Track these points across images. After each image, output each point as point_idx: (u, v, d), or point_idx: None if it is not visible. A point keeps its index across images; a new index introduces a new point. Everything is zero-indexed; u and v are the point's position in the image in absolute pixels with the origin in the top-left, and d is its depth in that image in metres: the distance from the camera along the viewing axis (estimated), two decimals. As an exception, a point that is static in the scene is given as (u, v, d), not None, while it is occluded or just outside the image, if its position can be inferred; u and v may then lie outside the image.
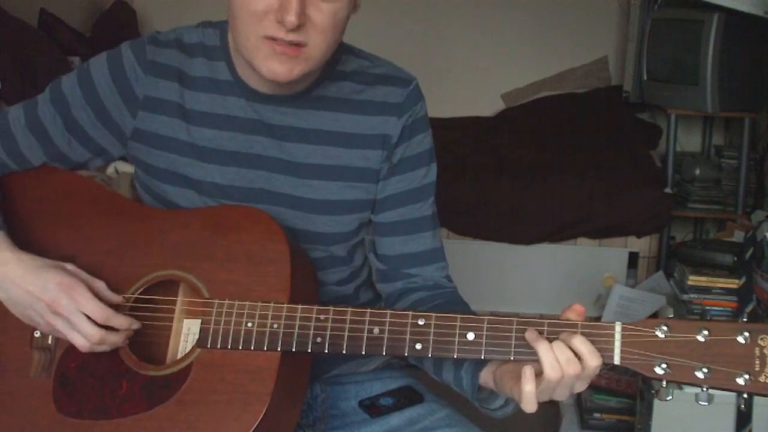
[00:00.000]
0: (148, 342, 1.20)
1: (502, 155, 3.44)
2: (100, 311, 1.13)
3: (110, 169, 2.63)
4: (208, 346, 1.12)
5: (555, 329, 1.03)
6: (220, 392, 1.10)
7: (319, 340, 1.09)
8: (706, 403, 0.99)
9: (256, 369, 1.10)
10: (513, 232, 3.23)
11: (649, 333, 0.99)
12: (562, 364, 1.00)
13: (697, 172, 3.40)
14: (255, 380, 1.09)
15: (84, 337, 1.12)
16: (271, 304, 1.11)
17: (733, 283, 2.38)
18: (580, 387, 1.03)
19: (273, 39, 1.12)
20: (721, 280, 2.40)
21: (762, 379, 0.96)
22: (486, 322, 1.05)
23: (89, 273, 1.18)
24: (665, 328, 0.99)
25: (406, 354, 1.07)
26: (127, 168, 2.57)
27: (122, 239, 1.22)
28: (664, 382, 1.00)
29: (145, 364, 1.15)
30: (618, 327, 1.00)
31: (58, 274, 1.14)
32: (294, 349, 1.10)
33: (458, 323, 1.06)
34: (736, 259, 2.45)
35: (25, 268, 1.15)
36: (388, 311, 1.08)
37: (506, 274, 3.29)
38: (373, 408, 1.30)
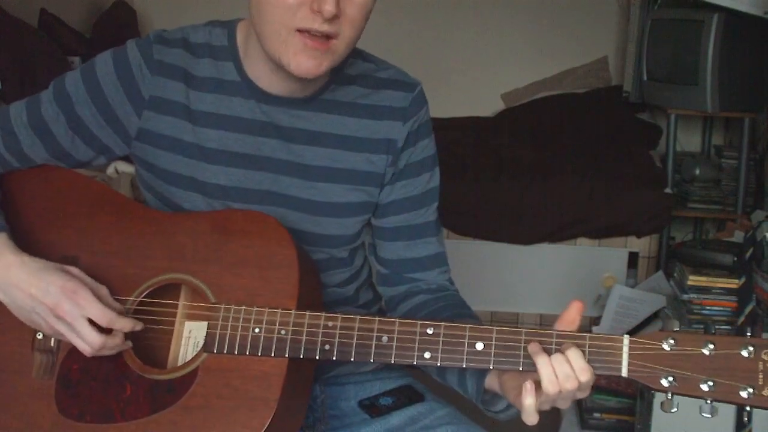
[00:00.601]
0: (150, 345, 1.19)
1: (502, 155, 3.44)
2: (103, 315, 1.12)
3: (110, 169, 2.63)
4: (215, 351, 1.12)
5: (562, 341, 1.03)
6: (226, 398, 1.09)
7: (327, 347, 1.09)
8: (710, 416, 0.99)
9: (263, 375, 1.09)
10: (513, 232, 3.23)
11: (656, 346, 1.01)
12: (560, 379, 1.00)
13: (697, 172, 3.40)
14: (262, 386, 1.08)
15: (86, 342, 1.12)
16: (279, 311, 1.11)
17: (733, 283, 2.38)
18: (582, 395, 1.03)
19: (306, 31, 1.11)
20: (721, 280, 2.40)
21: (765, 392, 0.98)
22: (495, 332, 1.05)
23: (93, 274, 1.17)
24: (672, 341, 1.01)
25: (414, 363, 1.07)
26: (127, 168, 2.57)
27: (127, 241, 1.21)
28: (670, 394, 1.01)
29: (149, 368, 1.15)
30: (626, 340, 1.02)
31: (61, 277, 1.14)
32: (302, 356, 1.09)
33: (467, 333, 1.05)
34: (735, 259, 2.45)
35: (28, 271, 1.14)
36: (397, 320, 1.08)
37: (506, 274, 3.29)
38: (373, 408, 1.30)
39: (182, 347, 1.18)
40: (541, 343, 1.04)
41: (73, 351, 1.15)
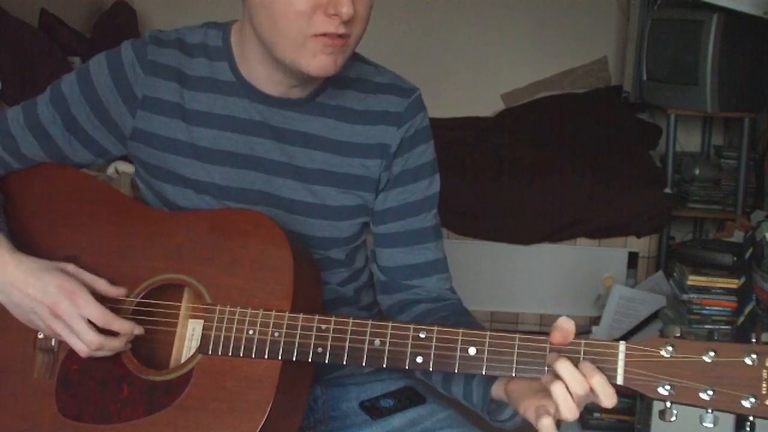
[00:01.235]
0: (150, 345, 1.19)
1: (502, 155, 3.44)
2: (100, 315, 1.12)
3: (110, 169, 2.63)
4: (209, 352, 1.11)
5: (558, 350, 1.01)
6: (221, 399, 1.09)
7: (320, 350, 1.08)
8: (712, 425, 0.96)
9: (257, 377, 1.09)
10: (513, 232, 3.23)
11: (654, 353, 0.97)
12: (578, 402, 0.98)
13: (697, 172, 3.40)
14: (255, 389, 1.08)
15: (84, 341, 1.12)
16: (273, 313, 1.10)
17: (733, 283, 2.38)
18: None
19: (323, 35, 1.11)
20: (721, 280, 2.40)
21: None
22: (488, 337, 1.03)
23: (92, 273, 1.17)
24: (671, 348, 0.96)
25: (407, 367, 1.06)
26: (127, 168, 2.57)
27: (125, 240, 1.21)
28: (668, 403, 0.97)
29: (147, 369, 1.15)
30: (622, 347, 0.98)
31: (59, 277, 1.14)
32: (294, 359, 1.09)
33: (460, 337, 1.04)
34: (735, 259, 2.45)
35: (26, 271, 1.14)
36: (390, 323, 1.07)
37: (506, 274, 3.29)
38: (373, 409, 1.30)
39: (185, 347, 1.18)
40: (534, 348, 1.01)
41: (73, 351, 1.15)
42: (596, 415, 2.57)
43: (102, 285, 1.16)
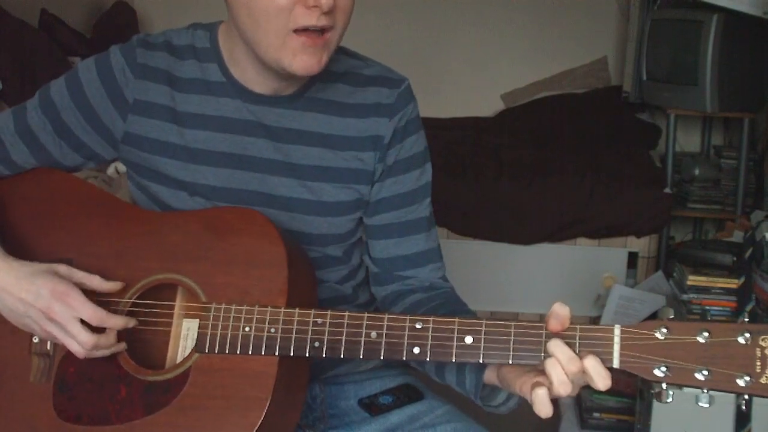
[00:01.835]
0: (146, 346, 1.19)
1: (502, 155, 3.44)
2: (94, 314, 1.12)
3: (110, 170, 2.63)
4: (206, 351, 1.11)
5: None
6: (219, 397, 1.09)
7: (317, 344, 1.09)
8: (707, 405, 0.97)
9: (255, 374, 1.09)
10: (513, 232, 3.23)
11: (649, 335, 0.98)
12: (572, 378, 0.99)
13: (697, 172, 3.40)
14: (253, 385, 1.08)
15: (79, 342, 1.12)
16: (269, 308, 1.11)
17: (733, 283, 2.38)
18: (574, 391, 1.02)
19: (304, 30, 1.11)
20: (721, 280, 2.40)
21: (763, 380, 0.94)
22: (484, 326, 1.04)
23: None
24: (665, 330, 0.98)
25: (404, 358, 1.06)
26: (127, 168, 2.57)
27: (119, 242, 1.21)
28: (664, 385, 0.99)
29: (144, 369, 1.15)
30: (617, 330, 0.99)
31: (51, 280, 1.13)
32: (292, 354, 1.09)
33: (456, 326, 1.05)
34: (735, 259, 2.45)
35: (18, 276, 1.14)
36: (386, 315, 1.07)
37: (506, 274, 3.29)
38: (372, 407, 1.30)
39: (180, 346, 1.19)
40: (530, 336, 1.02)
41: (70, 353, 1.15)
42: (596, 415, 2.57)
43: (96, 281, 1.16)
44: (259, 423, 1.07)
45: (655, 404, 2.06)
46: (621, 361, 0.99)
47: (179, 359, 1.16)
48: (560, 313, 1.01)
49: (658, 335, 0.98)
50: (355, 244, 1.35)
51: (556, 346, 0.99)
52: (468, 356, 1.04)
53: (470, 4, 4.12)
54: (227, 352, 1.11)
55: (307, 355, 1.09)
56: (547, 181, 3.22)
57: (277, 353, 1.09)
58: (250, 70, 1.21)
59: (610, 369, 0.99)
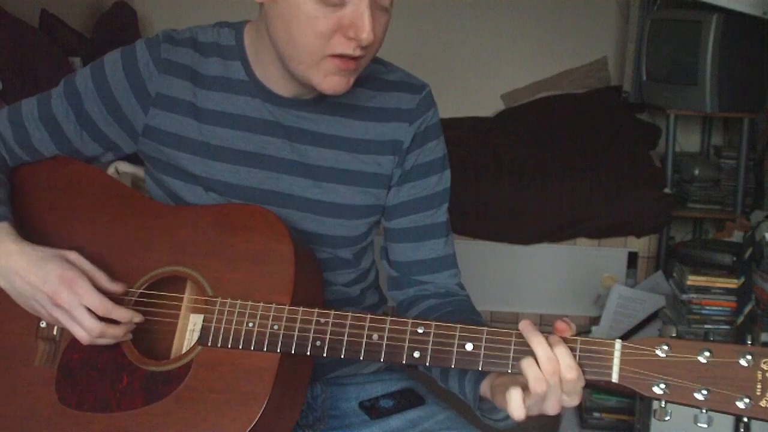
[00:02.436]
0: (152, 337, 1.20)
1: (502, 155, 3.44)
2: (100, 304, 1.13)
3: (111, 169, 2.62)
4: (209, 344, 1.12)
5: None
6: (218, 391, 1.10)
7: (318, 343, 1.09)
8: (706, 425, 0.96)
9: (255, 369, 1.10)
10: (513, 232, 3.23)
11: (650, 352, 0.97)
12: (546, 373, 0.99)
13: (696, 172, 3.40)
14: (253, 380, 1.09)
15: (84, 330, 1.13)
16: (273, 305, 1.11)
17: (732, 283, 2.38)
18: (571, 400, 1.01)
19: (340, 56, 1.12)
20: (720, 280, 2.40)
21: (763, 403, 0.93)
22: (485, 333, 1.04)
23: (96, 264, 1.18)
24: (666, 347, 0.97)
25: (404, 362, 1.06)
26: (127, 168, 2.57)
27: (130, 233, 1.22)
28: (663, 402, 0.98)
29: (146, 359, 1.16)
30: (618, 345, 0.99)
31: (60, 266, 1.14)
32: (293, 351, 1.10)
33: (457, 333, 1.05)
34: (735, 259, 2.45)
35: (28, 260, 1.15)
36: (388, 318, 1.08)
37: (506, 274, 3.29)
38: (373, 409, 1.31)
39: (186, 339, 1.19)
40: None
41: (75, 340, 1.16)
42: (596, 414, 2.57)
43: (102, 281, 1.17)
44: (257, 418, 1.07)
45: (655, 404, 2.05)
46: (620, 376, 0.98)
47: (184, 352, 1.17)
48: (561, 329, 1.01)
49: (658, 352, 0.97)
50: (366, 248, 1.36)
51: (536, 343, 0.99)
52: (468, 363, 1.04)
53: (471, 5, 4.12)
54: (230, 346, 1.12)
55: (308, 353, 1.10)
56: (547, 181, 3.22)
57: (278, 350, 1.10)
58: (275, 73, 1.22)
59: (609, 383, 0.99)
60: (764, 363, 0.94)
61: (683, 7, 3.32)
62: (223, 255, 1.16)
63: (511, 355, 1.02)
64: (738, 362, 0.95)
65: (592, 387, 2.59)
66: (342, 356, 1.08)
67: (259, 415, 1.07)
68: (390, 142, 1.28)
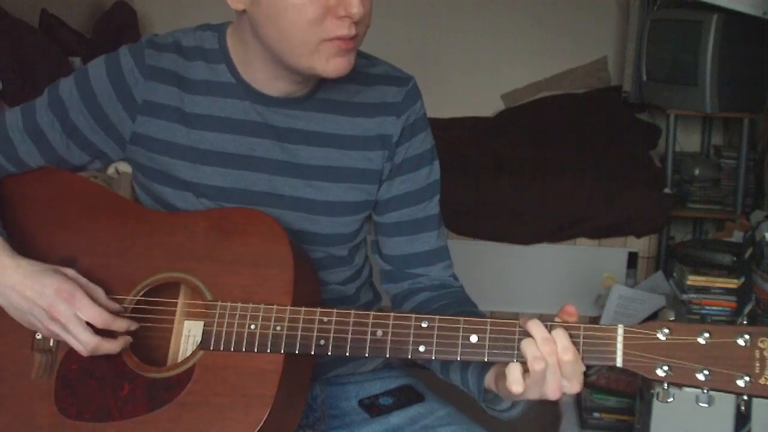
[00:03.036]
0: (149, 344, 1.20)
1: (502, 155, 3.44)
2: (99, 317, 1.13)
3: (111, 170, 2.63)
4: (211, 348, 1.12)
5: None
6: (223, 394, 1.10)
7: (322, 342, 1.09)
8: (707, 405, 0.99)
9: (259, 371, 1.10)
10: (513, 232, 3.23)
11: (651, 335, 1.00)
12: (545, 354, 1.00)
13: (697, 172, 3.40)
14: (258, 383, 1.09)
15: (81, 343, 1.13)
16: (274, 307, 1.11)
17: (732, 283, 2.38)
18: (571, 387, 1.02)
19: (337, 38, 1.12)
20: (720, 280, 2.40)
21: (762, 381, 0.97)
22: (489, 324, 1.05)
23: (91, 275, 1.18)
24: (666, 330, 1.00)
25: (409, 356, 1.07)
26: (127, 168, 2.57)
27: (124, 241, 1.22)
28: (666, 384, 1.01)
29: (147, 366, 1.15)
30: (620, 329, 1.01)
31: (57, 280, 1.14)
32: (297, 352, 1.10)
33: (461, 325, 1.06)
34: (735, 259, 2.45)
35: (24, 274, 1.15)
36: (392, 314, 1.08)
37: (506, 274, 3.29)
38: (373, 407, 1.31)
39: (182, 345, 1.19)
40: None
41: (73, 350, 1.16)
42: (596, 415, 2.57)
43: (100, 296, 1.17)
44: (263, 420, 1.07)
45: (655, 404, 2.06)
46: (624, 360, 1.01)
47: (181, 358, 1.16)
48: (570, 311, 1.04)
49: (659, 335, 1.00)
50: (359, 245, 1.36)
51: (533, 326, 1.02)
52: (473, 354, 1.05)
53: (470, 5, 4.12)
54: (232, 349, 1.11)
55: (313, 353, 1.10)
56: (547, 181, 3.22)
57: (282, 351, 1.10)
58: (264, 74, 1.22)
59: (613, 368, 1.01)
60: (761, 342, 0.97)
61: (683, 7, 3.32)
62: (220, 259, 1.16)
63: (516, 345, 1.04)
64: (736, 342, 0.98)
65: (592, 387, 2.59)
66: (347, 354, 1.09)
67: (266, 417, 1.07)
68: (378, 136, 1.28)
